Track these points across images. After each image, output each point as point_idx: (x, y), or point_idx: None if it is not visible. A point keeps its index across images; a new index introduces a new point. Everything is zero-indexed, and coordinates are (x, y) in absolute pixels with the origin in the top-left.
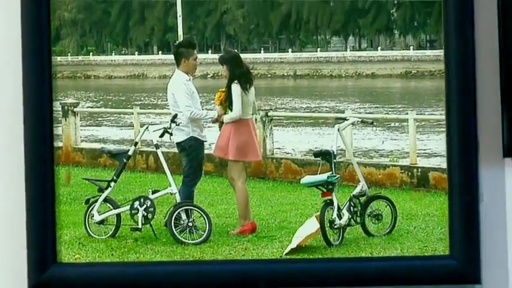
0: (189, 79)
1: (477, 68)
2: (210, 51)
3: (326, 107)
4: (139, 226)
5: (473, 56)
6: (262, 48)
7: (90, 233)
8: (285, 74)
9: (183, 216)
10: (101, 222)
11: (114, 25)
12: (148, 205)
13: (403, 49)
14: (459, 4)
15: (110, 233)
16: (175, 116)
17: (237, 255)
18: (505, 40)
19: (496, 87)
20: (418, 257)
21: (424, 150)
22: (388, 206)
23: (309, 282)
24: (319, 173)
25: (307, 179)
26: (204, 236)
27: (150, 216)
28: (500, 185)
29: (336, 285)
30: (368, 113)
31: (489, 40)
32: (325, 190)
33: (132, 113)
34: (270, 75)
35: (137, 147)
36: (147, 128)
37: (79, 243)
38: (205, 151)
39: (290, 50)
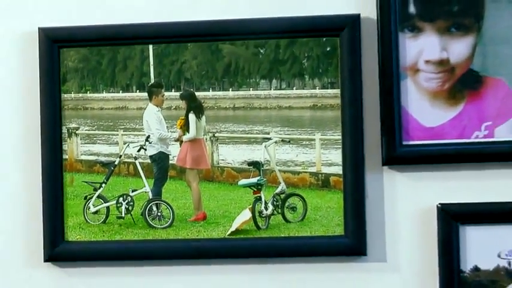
0: (158, 110)
1: (364, 102)
2: (173, 90)
3: (256, 130)
4: (123, 215)
5: (361, 94)
6: (210, 88)
7: (88, 220)
8: (227, 107)
9: (154, 208)
10: (95, 212)
11: (105, 72)
12: (129, 200)
13: (312, 88)
14: (350, 57)
15: (102, 220)
16: (148, 136)
17: (193, 235)
18: (383, 82)
19: (377, 116)
20: (322, 236)
21: (326, 161)
22: (300, 201)
23: (244, 254)
24: (251, 177)
25: (242, 181)
26: (169, 222)
27: (130, 208)
28: (380, 186)
29: (264, 256)
30: (286, 134)
31: (372, 82)
32: (255, 189)
33: (118, 134)
34: (216, 107)
35: (121, 159)
36: (128, 145)
37: (79, 227)
38: (170, 162)
39: (230, 89)
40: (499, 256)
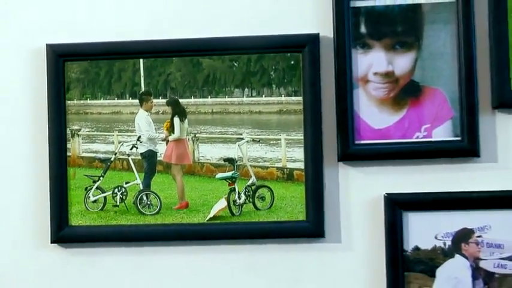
0: (148, 114)
1: (322, 108)
2: (160, 98)
3: (231, 131)
4: (118, 204)
5: (320, 101)
6: (192, 96)
7: (88, 208)
8: (206, 112)
9: (144, 198)
10: (94, 201)
11: (102, 82)
12: (123, 191)
13: (278, 96)
14: (311, 70)
15: (100, 208)
16: (139, 137)
17: (177, 221)
18: (339, 91)
19: (333, 119)
20: (287, 221)
21: (291, 157)
22: (269, 192)
23: (220, 237)
24: (227, 172)
25: (219, 175)
26: (157, 209)
27: (124, 197)
28: (336, 178)
29: (237, 238)
30: (256, 135)
31: (329, 91)
32: (230, 182)
33: (113, 135)
34: (197, 112)
35: (116, 156)
36: (122, 144)
37: (81, 214)
38: (158, 158)
39: (209, 96)
40: (435, 238)
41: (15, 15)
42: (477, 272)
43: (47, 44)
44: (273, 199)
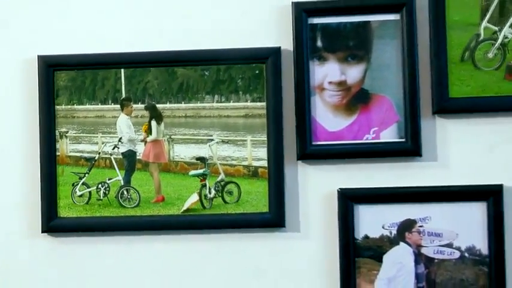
0: (128, 118)
1: (283, 112)
2: (139, 103)
3: (202, 133)
4: (101, 198)
5: (281, 106)
6: (168, 101)
7: (75, 202)
8: (181, 116)
9: (125, 192)
10: (80, 196)
11: (87, 89)
12: (106, 186)
13: (244, 102)
14: (273, 79)
15: (85, 201)
16: (120, 138)
17: (155, 213)
18: (298, 98)
19: (293, 123)
20: (252, 213)
21: (256, 156)
22: (236, 187)
23: (193, 227)
24: (199, 169)
25: (192, 172)
26: (136, 203)
27: (107, 192)
28: (295, 175)
29: (208, 228)
30: (225, 136)
31: (290, 97)
32: (202, 178)
33: (97, 136)
34: (172, 116)
35: (100, 155)
36: (105, 144)
37: (68, 207)
38: (137, 157)
39: (183, 102)
40: (383, 227)
41: (9, 29)
42: (419, 257)
43: (38, 55)
44: (240, 194)
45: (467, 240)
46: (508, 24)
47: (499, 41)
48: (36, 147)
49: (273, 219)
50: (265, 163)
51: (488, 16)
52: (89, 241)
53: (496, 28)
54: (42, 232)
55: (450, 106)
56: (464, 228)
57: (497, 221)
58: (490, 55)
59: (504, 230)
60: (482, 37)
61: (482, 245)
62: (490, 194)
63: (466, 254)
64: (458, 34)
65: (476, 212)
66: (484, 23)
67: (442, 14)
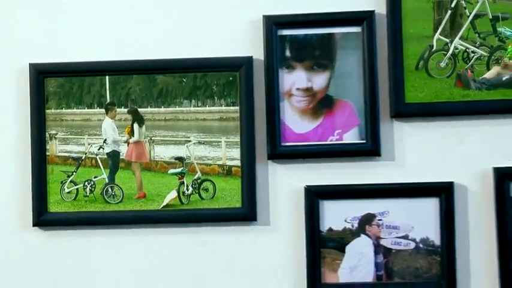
0: (112, 121)
1: (255, 116)
2: (123, 107)
3: (180, 135)
4: (88, 194)
5: (253, 110)
6: (149, 106)
7: (63, 198)
8: (160, 119)
9: (110, 189)
10: (68, 192)
11: (75, 94)
12: (92, 184)
13: (219, 106)
14: (246, 85)
15: (73, 198)
16: (105, 139)
17: (137, 208)
18: (268, 102)
19: (264, 126)
20: (226, 208)
21: (230, 156)
22: (211, 184)
23: (172, 221)
24: (177, 168)
25: (171, 171)
26: (120, 199)
27: (93, 189)
28: (266, 174)
29: (186, 222)
30: (201, 138)
31: (261, 102)
32: (180, 176)
33: (84, 138)
34: (152, 119)
35: (86, 155)
36: (91, 145)
37: (57, 202)
38: (121, 157)
39: (163, 106)
40: (345, 221)
41: (3, 39)
42: (378, 248)
43: (30, 63)
44: (215, 190)
45: (422, 232)
46: (458, 36)
47: (450, 51)
48: (28, 148)
49: (246, 213)
50: (238, 162)
51: (440, 29)
52: (76, 234)
53: (448, 40)
54: (34, 226)
55: (406, 110)
56: (418, 221)
57: (448, 215)
58: (442, 64)
59: (454, 223)
60: (435, 48)
61: (435, 236)
62: (442, 191)
63: (421, 245)
64: (414, 45)
65: (430, 207)
66: (437, 35)
67: (399, 27)
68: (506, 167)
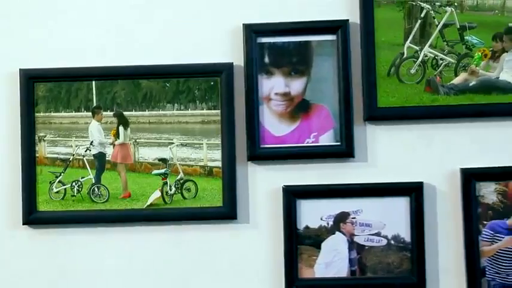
0: (99, 124)
1: (235, 119)
2: (109, 111)
3: (164, 137)
4: (75, 194)
5: (234, 114)
6: (133, 109)
7: (52, 197)
8: (145, 122)
9: (96, 189)
10: (57, 192)
11: (63, 98)
12: (79, 184)
13: (201, 110)
14: (227, 90)
15: (61, 197)
16: (92, 141)
17: (122, 207)
18: (248, 106)
19: (244, 128)
20: (208, 207)
21: (211, 158)
22: (194, 185)
23: (156, 219)
24: (161, 169)
25: (155, 171)
26: (106, 199)
27: (80, 189)
28: (246, 174)
29: (169, 220)
30: (184, 140)
31: (241, 106)
32: (163, 177)
33: (72, 140)
34: (137, 122)
35: (74, 156)
36: (78, 147)
37: (46, 202)
38: (106, 158)
39: (147, 110)
40: (321, 219)
41: None
42: (352, 245)
43: (20, 69)
44: (197, 190)
45: (393, 230)
46: (428, 44)
47: (420, 58)
48: (18, 149)
49: (226, 212)
50: (219, 163)
51: (410, 37)
52: (64, 232)
53: (418, 48)
54: (23, 224)
55: (378, 114)
56: (390, 219)
57: (418, 213)
58: (413, 71)
59: (424, 221)
60: (405, 55)
61: (405, 233)
62: (412, 190)
63: (392, 242)
64: (385, 53)
65: (401, 206)
66: (407, 44)
67: (372, 36)
68: (472, 168)
